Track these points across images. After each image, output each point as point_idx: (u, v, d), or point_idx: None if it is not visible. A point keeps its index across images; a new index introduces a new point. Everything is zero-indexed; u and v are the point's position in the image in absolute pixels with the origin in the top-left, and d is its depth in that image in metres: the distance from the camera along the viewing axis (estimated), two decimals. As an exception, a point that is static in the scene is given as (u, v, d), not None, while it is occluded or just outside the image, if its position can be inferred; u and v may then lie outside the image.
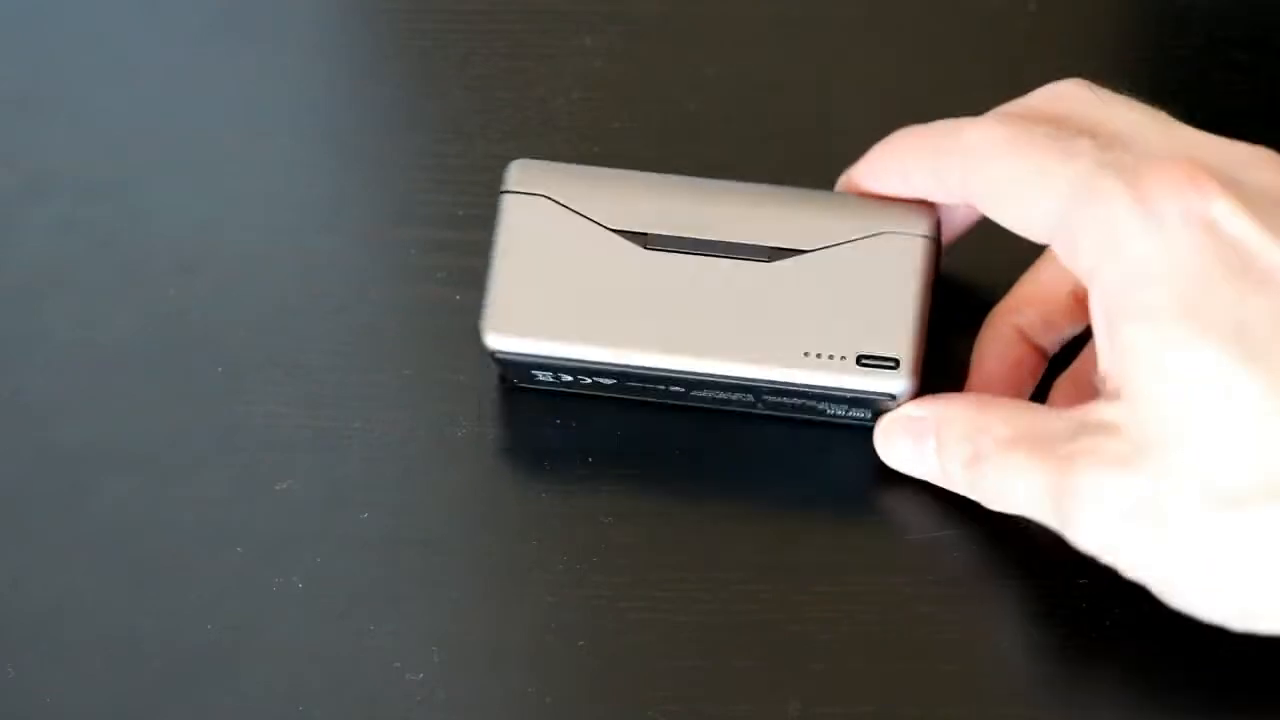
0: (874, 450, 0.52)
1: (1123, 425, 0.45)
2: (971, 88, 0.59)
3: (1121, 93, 0.49)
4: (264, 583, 0.51)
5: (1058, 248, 0.47)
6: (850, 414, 0.52)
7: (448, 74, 0.62)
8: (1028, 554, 0.51)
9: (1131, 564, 0.46)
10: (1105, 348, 0.46)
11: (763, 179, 0.53)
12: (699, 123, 0.60)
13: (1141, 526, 0.45)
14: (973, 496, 0.49)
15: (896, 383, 0.50)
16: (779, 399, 0.52)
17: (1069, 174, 0.46)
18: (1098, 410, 0.46)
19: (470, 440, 0.54)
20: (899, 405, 0.51)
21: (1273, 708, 0.48)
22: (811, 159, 0.58)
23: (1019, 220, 0.48)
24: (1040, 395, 0.52)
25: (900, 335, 0.50)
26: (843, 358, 0.50)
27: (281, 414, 0.54)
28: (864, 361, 0.50)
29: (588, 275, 0.51)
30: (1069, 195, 0.46)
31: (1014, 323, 0.52)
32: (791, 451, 0.53)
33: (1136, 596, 0.50)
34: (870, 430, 0.52)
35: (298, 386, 0.55)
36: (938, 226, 0.51)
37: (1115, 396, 0.45)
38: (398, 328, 0.56)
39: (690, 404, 0.53)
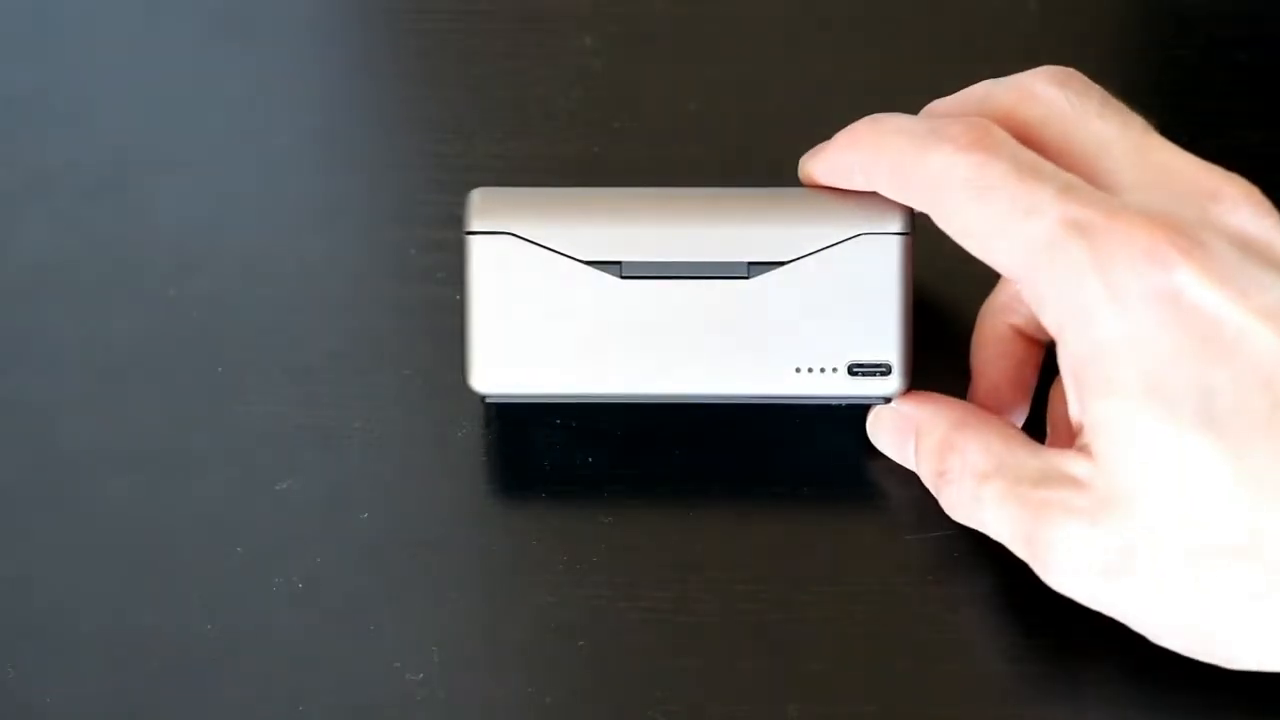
0: (874, 450, 0.52)
1: (1091, 483, 0.46)
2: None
3: (1110, 90, 0.49)
4: (264, 583, 0.51)
5: (1025, 296, 0.48)
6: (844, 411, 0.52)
7: (448, 74, 0.62)
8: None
9: (1105, 610, 0.47)
10: (1074, 404, 0.47)
11: (763, 179, 0.53)
12: (699, 123, 0.60)
13: (1110, 579, 0.46)
14: (941, 504, 0.50)
15: (890, 385, 0.51)
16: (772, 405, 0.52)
17: (1031, 234, 0.46)
18: (1070, 463, 0.47)
19: (470, 440, 0.54)
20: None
21: (1272, 707, 0.48)
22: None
23: (984, 259, 0.48)
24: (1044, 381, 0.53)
25: (889, 339, 0.51)
26: (834, 369, 0.51)
27: (281, 414, 0.54)
28: (856, 370, 0.51)
29: (567, 312, 0.51)
30: (1030, 255, 0.46)
31: (1008, 321, 0.52)
32: (792, 452, 0.53)
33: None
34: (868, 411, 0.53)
35: (298, 386, 0.55)
36: (911, 220, 0.51)
37: (1086, 453, 0.46)
38: (398, 328, 0.56)
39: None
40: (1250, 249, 0.46)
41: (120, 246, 0.58)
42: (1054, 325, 0.47)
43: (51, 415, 0.55)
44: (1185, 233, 0.45)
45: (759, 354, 0.51)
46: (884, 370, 0.51)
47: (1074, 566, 0.46)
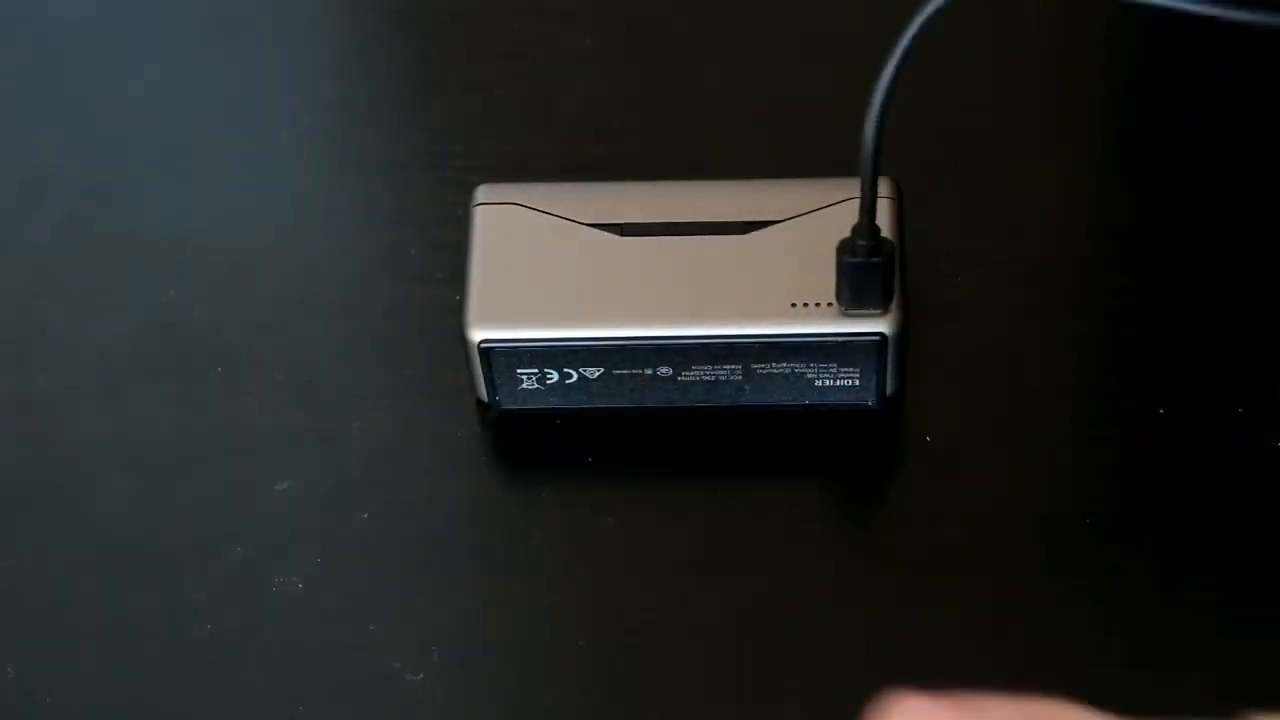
0: (872, 450, 0.53)
1: None
2: (972, 88, 0.60)
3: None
4: (264, 583, 0.51)
5: None
6: (840, 377, 0.52)
7: (448, 74, 0.62)
8: (1027, 554, 0.51)
9: None
10: None
11: (761, 179, 0.53)
12: (699, 123, 0.60)
13: None
14: None
15: (883, 323, 0.51)
16: (769, 369, 0.52)
17: None
18: None
19: (470, 440, 0.54)
20: (889, 352, 0.51)
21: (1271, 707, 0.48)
22: (811, 159, 0.58)
23: None
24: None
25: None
26: (829, 304, 0.51)
27: (281, 414, 0.54)
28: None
29: (566, 264, 0.52)
30: None
31: None
32: (791, 452, 0.53)
33: (1136, 596, 0.50)
34: (862, 407, 0.52)
35: (298, 386, 0.55)
36: (899, 190, 0.52)
37: None
38: (398, 328, 0.56)
39: (676, 403, 0.53)
40: None
41: (120, 246, 0.58)
42: None
43: (51, 415, 0.55)
44: None
45: (754, 294, 0.51)
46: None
47: None
